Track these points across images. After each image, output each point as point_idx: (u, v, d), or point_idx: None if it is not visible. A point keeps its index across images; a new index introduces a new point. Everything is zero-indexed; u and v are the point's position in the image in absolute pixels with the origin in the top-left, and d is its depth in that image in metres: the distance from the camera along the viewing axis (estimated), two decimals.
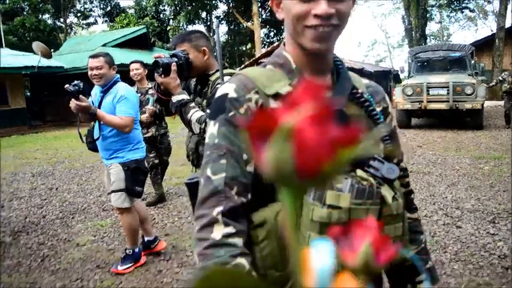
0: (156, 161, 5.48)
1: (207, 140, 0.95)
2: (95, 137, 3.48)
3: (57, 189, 6.45)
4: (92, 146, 3.62)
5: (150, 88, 5.18)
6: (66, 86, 3.15)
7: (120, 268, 3.48)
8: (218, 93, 0.98)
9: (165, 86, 2.24)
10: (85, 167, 8.14)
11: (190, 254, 3.76)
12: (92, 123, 3.52)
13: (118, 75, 3.52)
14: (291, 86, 0.95)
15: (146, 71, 5.43)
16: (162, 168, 5.67)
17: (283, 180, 0.21)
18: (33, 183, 6.91)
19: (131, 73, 5.32)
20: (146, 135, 5.23)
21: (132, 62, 5.37)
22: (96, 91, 3.56)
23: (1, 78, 16.31)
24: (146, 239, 3.84)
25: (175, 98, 2.23)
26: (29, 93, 21.20)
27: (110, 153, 3.47)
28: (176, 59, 2.24)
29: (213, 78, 2.27)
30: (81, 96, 3.11)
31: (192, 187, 1.39)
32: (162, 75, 2.20)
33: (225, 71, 2.27)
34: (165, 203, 5.34)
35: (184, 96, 2.24)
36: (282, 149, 0.20)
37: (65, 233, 4.50)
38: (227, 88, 0.97)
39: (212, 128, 0.95)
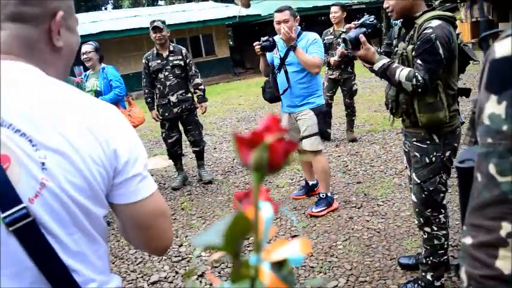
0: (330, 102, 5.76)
1: (487, 122, 0.70)
2: (283, 88, 3.70)
3: None
4: (269, 96, 3.89)
5: (343, 32, 5.22)
6: (259, 43, 3.54)
7: (315, 211, 3.73)
8: (501, 53, 0.70)
9: (363, 59, 2.28)
10: None
11: (382, 204, 3.80)
12: (269, 76, 3.82)
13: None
14: None
15: (345, 14, 5.67)
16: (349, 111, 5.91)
17: (258, 169, 0.41)
18: (238, 128, 7.70)
19: (330, 16, 5.69)
20: (330, 76, 5.69)
21: (332, 5, 5.73)
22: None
23: (208, 29, 18.12)
24: (310, 183, 4.13)
25: (376, 66, 2.25)
26: (231, 43, 23.13)
27: (299, 100, 3.66)
28: (364, 29, 2.25)
29: (419, 21, 2.17)
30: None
31: (464, 173, 1.07)
32: (355, 49, 2.27)
33: (431, 14, 2.15)
34: (358, 150, 5.41)
35: (384, 61, 2.23)
36: (261, 154, 0.40)
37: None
38: None
39: (496, 107, 0.68)
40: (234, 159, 5.74)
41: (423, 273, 2.48)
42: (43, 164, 0.84)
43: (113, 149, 0.90)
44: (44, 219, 0.85)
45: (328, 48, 5.55)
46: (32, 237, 0.84)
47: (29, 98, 0.87)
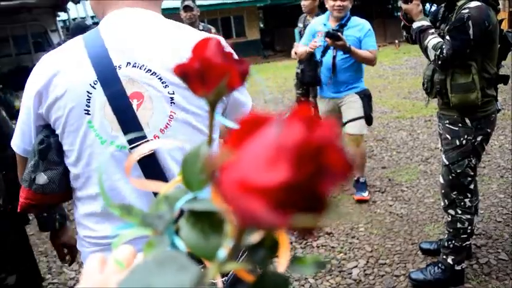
0: None
1: None
2: (327, 74, 3.62)
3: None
4: (309, 80, 3.81)
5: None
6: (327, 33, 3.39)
7: (364, 195, 3.66)
8: None
9: (408, 12, 2.32)
10: None
11: (406, 189, 3.80)
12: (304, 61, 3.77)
13: None
14: None
15: (317, 2, 5.29)
16: None
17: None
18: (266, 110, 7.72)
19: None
20: (298, 70, 5.42)
21: None
22: (318, 23, 3.72)
23: (239, 11, 18.07)
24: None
25: (415, 24, 2.29)
26: (262, 25, 23.02)
27: (345, 86, 3.61)
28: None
29: (460, 3, 2.20)
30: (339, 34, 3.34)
31: None
32: (407, 2, 2.29)
33: None
34: (384, 136, 5.38)
35: (425, 23, 2.27)
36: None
37: None
38: None
39: None
40: None
41: (444, 256, 2.49)
42: (172, 98, 0.97)
43: None
44: (164, 151, 0.98)
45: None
46: (152, 168, 0.97)
47: (157, 40, 0.99)
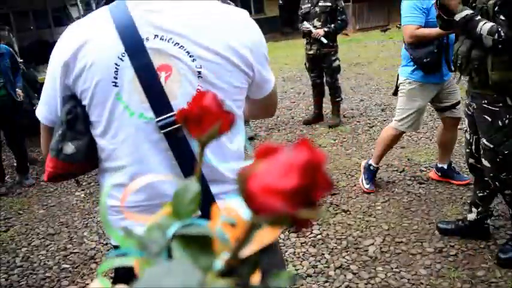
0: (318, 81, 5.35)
1: None
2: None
3: (304, 93, 7.05)
4: (434, 65, 3.10)
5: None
6: None
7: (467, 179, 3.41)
8: None
9: (446, 3, 2.22)
10: None
11: (424, 169, 3.77)
12: None
13: None
14: None
15: None
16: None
17: None
18: (284, 87, 7.69)
19: None
20: (309, 52, 5.23)
21: None
22: None
23: None
24: (445, 165, 3.53)
25: (458, 16, 2.18)
26: (281, 1, 22.68)
27: (446, 67, 3.18)
28: None
29: None
30: None
31: None
32: None
33: None
34: None
35: (467, 11, 2.16)
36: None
37: (309, 134, 5.01)
38: None
39: None
40: (278, 117, 5.77)
41: None
42: (199, 72, 0.98)
43: (256, 54, 1.07)
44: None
45: (304, 18, 5.11)
46: (178, 140, 0.99)
47: (184, 13, 1.00)
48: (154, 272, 0.33)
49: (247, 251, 0.36)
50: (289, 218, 0.29)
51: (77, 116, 1.02)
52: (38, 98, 6.00)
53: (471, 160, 2.56)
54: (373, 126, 5.07)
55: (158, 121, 0.98)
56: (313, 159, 0.28)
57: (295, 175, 0.28)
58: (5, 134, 4.43)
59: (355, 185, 3.60)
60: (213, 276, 0.35)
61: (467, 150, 2.55)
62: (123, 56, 0.96)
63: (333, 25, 4.97)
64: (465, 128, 2.55)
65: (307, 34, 5.07)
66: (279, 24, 18.91)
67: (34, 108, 5.25)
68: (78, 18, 5.39)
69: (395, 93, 3.46)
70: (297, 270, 2.59)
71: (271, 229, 0.36)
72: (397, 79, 3.39)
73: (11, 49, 4.61)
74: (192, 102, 0.45)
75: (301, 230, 0.32)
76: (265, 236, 0.39)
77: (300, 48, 5.83)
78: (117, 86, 0.98)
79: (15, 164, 4.61)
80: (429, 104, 3.38)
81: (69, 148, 1.03)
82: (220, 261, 0.37)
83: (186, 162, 1.00)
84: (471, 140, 2.50)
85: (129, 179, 1.02)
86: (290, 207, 0.28)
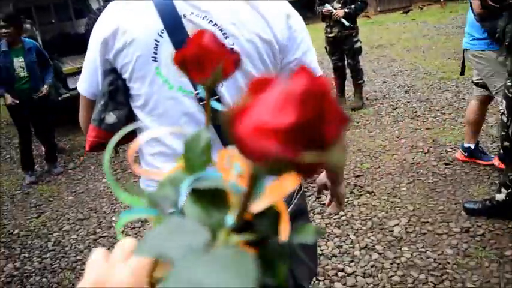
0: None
1: None
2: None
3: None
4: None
5: None
6: None
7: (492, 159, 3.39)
8: None
9: None
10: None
11: (450, 150, 3.71)
12: None
13: None
14: None
15: None
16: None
17: None
18: None
19: None
20: (330, 35, 5.17)
21: None
22: None
23: None
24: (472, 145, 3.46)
25: None
26: None
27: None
28: None
29: None
30: None
31: None
32: None
33: None
34: (428, 97, 5.22)
35: None
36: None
37: None
38: None
39: None
40: None
41: None
42: (231, 49, 1.01)
43: (287, 37, 1.08)
44: (226, 99, 1.06)
45: (325, 0, 5.01)
46: (215, 112, 1.06)
47: None
48: (159, 232, 0.30)
49: (261, 204, 0.32)
50: (290, 164, 0.22)
51: (117, 88, 1.08)
52: (64, 88, 6.03)
53: (506, 143, 2.51)
54: (396, 108, 5.00)
55: (197, 93, 1.02)
56: (315, 87, 0.22)
57: (293, 108, 0.22)
58: (33, 126, 4.53)
59: (379, 167, 3.58)
60: (225, 233, 0.32)
61: (503, 132, 2.51)
62: (162, 33, 1.01)
63: (353, 6, 4.91)
64: (502, 111, 2.51)
65: (327, 17, 5.03)
66: (299, 8, 18.68)
67: (60, 98, 5.37)
68: (99, 9, 5.43)
69: (462, 72, 3.46)
70: (321, 250, 2.61)
71: (288, 177, 0.31)
72: (463, 58, 3.34)
73: (37, 44, 4.66)
74: (190, 41, 0.41)
75: (309, 178, 0.28)
76: (281, 186, 0.33)
77: (320, 32, 5.75)
78: (157, 61, 1.03)
79: (43, 154, 4.73)
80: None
81: (111, 118, 1.09)
82: (232, 217, 0.33)
83: (224, 134, 1.02)
84: (508, 123, 2.45)
85: (167, 149, 1.08)
86: (290, 150, 0.22)
